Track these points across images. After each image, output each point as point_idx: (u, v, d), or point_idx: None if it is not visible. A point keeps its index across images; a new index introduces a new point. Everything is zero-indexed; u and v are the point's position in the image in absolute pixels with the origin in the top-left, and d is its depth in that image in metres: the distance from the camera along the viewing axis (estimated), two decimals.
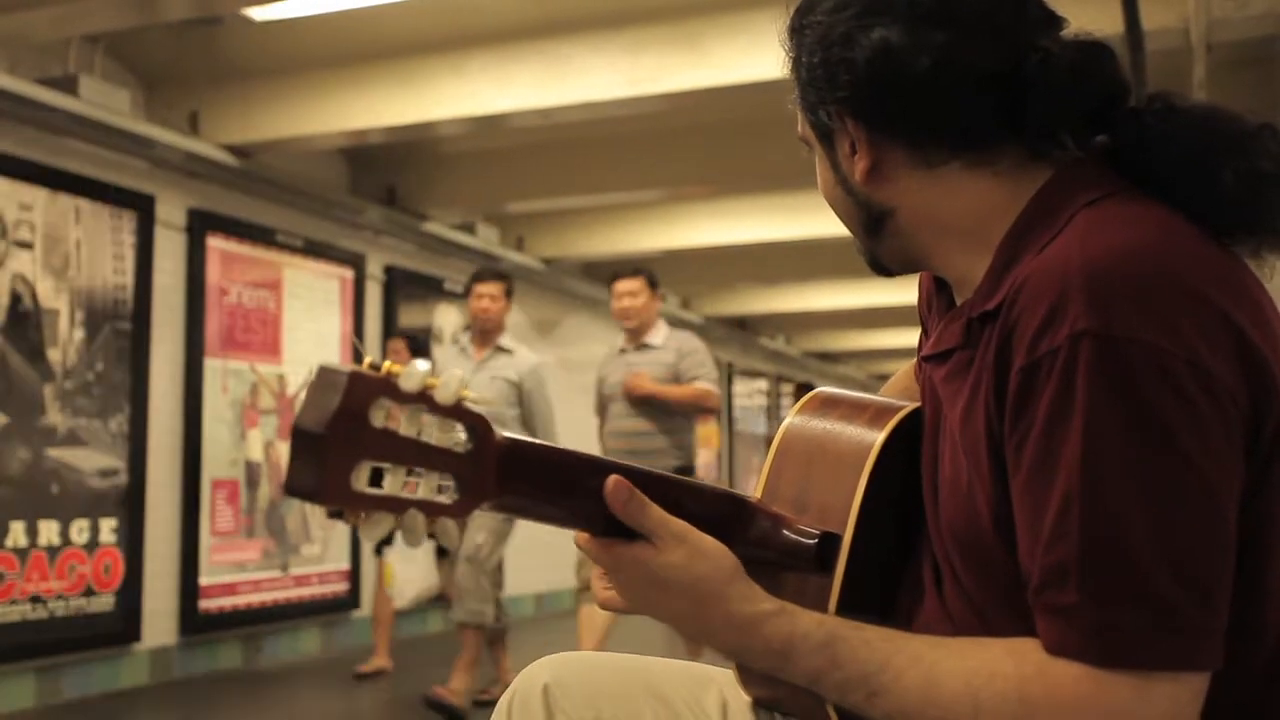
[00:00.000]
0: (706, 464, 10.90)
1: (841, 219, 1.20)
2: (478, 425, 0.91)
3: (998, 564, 1.01)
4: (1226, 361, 0.92)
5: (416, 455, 0.88)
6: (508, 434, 0.95)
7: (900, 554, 1.18)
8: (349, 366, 0.85)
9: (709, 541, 1.05)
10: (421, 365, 0.86)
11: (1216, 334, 0.93)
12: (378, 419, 0.85)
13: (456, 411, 0.89)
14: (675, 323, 11.58)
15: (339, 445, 0.83)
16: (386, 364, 0.87)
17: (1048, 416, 0.94)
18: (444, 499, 0.90)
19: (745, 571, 1.06)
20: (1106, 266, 0.94)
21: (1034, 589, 0.95)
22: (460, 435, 0.90)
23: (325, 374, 0.86)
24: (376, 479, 0.87)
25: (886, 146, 1.11)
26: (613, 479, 1.02)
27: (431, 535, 0.90)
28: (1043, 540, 0.94)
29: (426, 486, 0.89)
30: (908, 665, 0.99)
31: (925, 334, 1.30)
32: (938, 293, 1.24)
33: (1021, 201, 1.07)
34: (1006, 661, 0.96)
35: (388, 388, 0.86)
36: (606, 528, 1.03)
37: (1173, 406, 0.90)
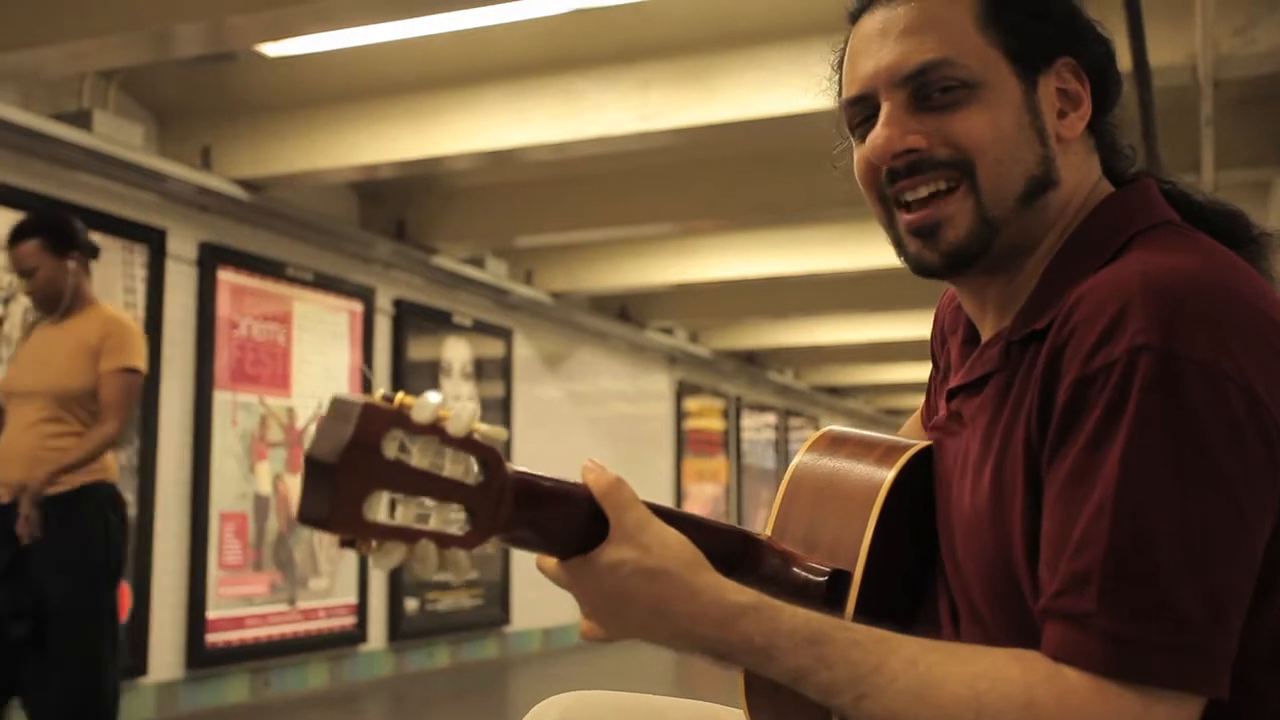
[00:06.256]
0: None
1: (1000, 171, 1.07)
2: (489, 458, 0.91)
3: (1023, 598, 1.00)
4: None
5: (428, 486, 0.88)
6: (519, 468, 0.95)
7: (911, 591, 1.17)
8: (362, 397, 0.86)
9: (668, 532, 1.01)
10: (434, 397, 0.87)
11: (1275, 373, 0.93)
12: (390, 450, 0.86)
13: (468, 444, 0.90)
14: (682, 356, 11.66)
15: (350, 475, 0.84)
16: (400, 395, 0.87)
17: (1095, 427, 0.93)
18: (456, 530, 0.90)
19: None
20: (1171, 286, 0.94)
21: (1050, 594, 0.94)
22: (472, 467, 0.91)
23: (338, 404, 0.87)
24: (389, 510, 0.87)
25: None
26: (611, 474, 1.01)
27: (442, 566, 0.90)
28: (1070, 547, 0.93)
29: (439, 517, 0.89)
30: (902, 668, 0.96)
31: (936, 371, 1.30)
32: (952, 333, 1.24)
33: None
34: (1013, 667, 0.94)
35: (400, 419, 0.86)
36: None
37: (1221, 429, 0.90)
